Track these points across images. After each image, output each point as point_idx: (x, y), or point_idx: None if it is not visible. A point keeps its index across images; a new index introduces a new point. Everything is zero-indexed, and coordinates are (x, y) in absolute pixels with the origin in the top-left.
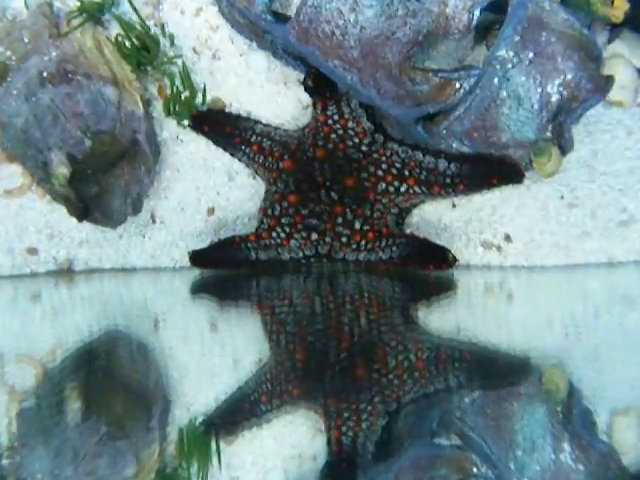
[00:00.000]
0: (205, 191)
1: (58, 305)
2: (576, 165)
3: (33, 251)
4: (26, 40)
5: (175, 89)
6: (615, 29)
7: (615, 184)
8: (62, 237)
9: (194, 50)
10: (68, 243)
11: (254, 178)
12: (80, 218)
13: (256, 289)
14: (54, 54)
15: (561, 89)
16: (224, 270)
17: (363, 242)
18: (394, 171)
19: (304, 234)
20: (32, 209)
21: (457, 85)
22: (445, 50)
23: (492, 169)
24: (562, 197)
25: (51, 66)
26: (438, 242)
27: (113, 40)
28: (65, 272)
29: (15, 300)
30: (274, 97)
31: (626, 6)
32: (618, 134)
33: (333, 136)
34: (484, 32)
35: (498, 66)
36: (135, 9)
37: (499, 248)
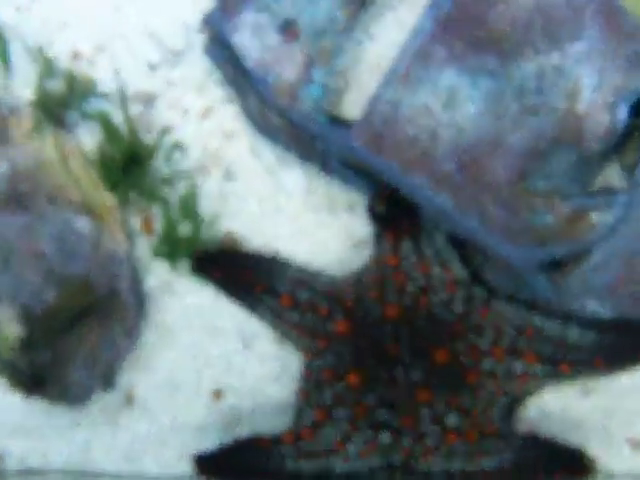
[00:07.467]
0: (209, 364)
1: None
2: None
3: None
4: None
5: (171, 221)
6: None
7: None
8: None
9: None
10: None
11: (281, 346)
12: (28, 393)
13: None
14: (4, 167)
15: None
16: None
17: (459, 445)
18: (504, 343)
19: (369, 434)
20: None
21: (595, 218)
22: (564, 167)
23: None
24: None
25: None
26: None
27: (86, 149)
28: None
29: None
30: (313, 230)
31: None
32: None
33: (410, 288)
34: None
35: None
36: (125, 104)
37: None
